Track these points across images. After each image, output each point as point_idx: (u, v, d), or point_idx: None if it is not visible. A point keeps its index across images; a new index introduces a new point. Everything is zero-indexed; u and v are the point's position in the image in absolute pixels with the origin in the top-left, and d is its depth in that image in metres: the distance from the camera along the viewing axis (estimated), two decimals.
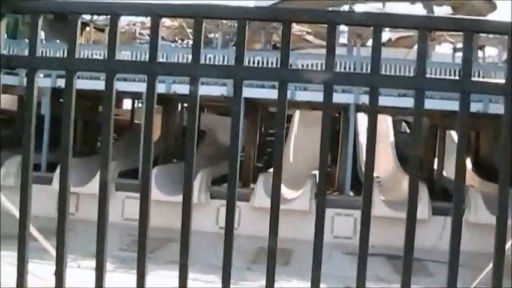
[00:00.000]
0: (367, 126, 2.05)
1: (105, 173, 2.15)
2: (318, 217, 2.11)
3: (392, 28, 1.99)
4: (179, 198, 2.15)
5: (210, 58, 20.71)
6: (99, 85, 15.38)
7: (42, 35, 23.56)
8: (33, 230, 9.16)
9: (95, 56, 19.37)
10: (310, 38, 32.37)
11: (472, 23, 2.06)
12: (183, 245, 2.11)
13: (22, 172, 2.23)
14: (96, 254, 2.17)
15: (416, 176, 2.12)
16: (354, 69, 19.91)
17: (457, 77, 2.10)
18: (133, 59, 19.83)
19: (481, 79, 2.07)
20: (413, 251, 2.10)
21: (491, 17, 25.81)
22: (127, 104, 33.10)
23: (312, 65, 19.44)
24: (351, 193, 20.46)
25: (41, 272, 5.78)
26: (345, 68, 19.76)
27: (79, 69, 2.16)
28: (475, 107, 18.31)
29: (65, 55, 2.18)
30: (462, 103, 2.01)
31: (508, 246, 2.15)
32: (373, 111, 2.04)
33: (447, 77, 17.70)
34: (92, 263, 2.27)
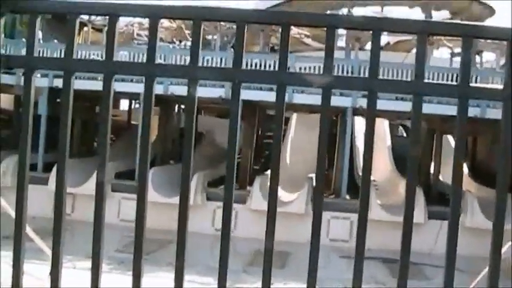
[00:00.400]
0: (365, 130, 2.05)
1: (102, 173, 2.14)
2: (314, 219, 2.10)
3: (392, 32, 1.99)
4: (176, 200, 2.14)
5: (207, 60, 20.68)
6: (96, 85, 15.30)
7: (39, 34, 23.51)
8: (29, 230, 9.15)
9: (92, 57, 19.36)
10: (308, 40, 32.39)
11: (472, 29, 2.05)
12: (179, 247, 2.10)
13: (19, 172, 2.22)
14: (92, 254, 2.17)
15: (414, 180, 2.12)
16: (352, 72, 19.91)
17: (454, 82, 2.09)
18: (131, 59, 19.83)
19: (478, 84, 2.07)
20: (410, 254, 2.09)
21: (490, 21, 25.87)
22: (124, 104, 33.04)
23: (310, 67, 19.44)
24: (347, 196, 20.46)
25: (37, 272, 5.77)
26: (342, 72, 19.75)
27: (77, 69, 2.15)
28: (472, 111, 18.34)
29: (62, 55, 2.18)
30: (460, 108, 2.00)
31: (505, 249, 2.15)
32: (371, 115, 2.03)
33: (445, 82, 17.73)
34: (88, 264, 2.26)
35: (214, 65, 19.37)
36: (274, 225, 2.11)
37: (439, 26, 2.15)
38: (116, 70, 2.10)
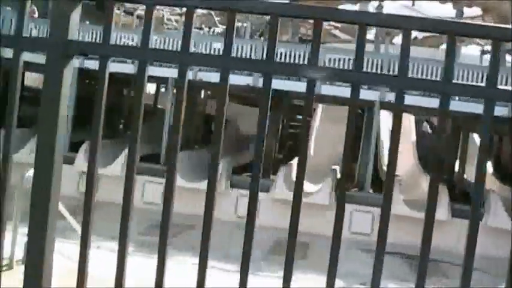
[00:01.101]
0: (437, 129, 2.07)
1: (173, 160, 2.18)
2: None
3: (464, 37, 1.99)
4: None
5: (237, 48, 20.63)
6: (126, 68, 15.28)
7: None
8: (61, 208, 9.30)
9: (123, 40, 19.43)
10: (336, 32, 32.24)
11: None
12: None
13: (89, 157, 2.27)
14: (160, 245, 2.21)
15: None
16: (382, 67, 19.78)
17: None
18: (163, 46, 19.96)
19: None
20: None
21: None
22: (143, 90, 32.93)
23: (340, 60, 19.31)
24: (371, 190, 20.41)
25: (68, 251, 5.84)
26: (372, 66, 19.61)
27: (151, 59, 2.18)
28: (501, 110, 18.16)
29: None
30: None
31: None
32: (444, 116, 2.05)
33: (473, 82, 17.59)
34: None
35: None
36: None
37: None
38: (191, 62, 2.13)
